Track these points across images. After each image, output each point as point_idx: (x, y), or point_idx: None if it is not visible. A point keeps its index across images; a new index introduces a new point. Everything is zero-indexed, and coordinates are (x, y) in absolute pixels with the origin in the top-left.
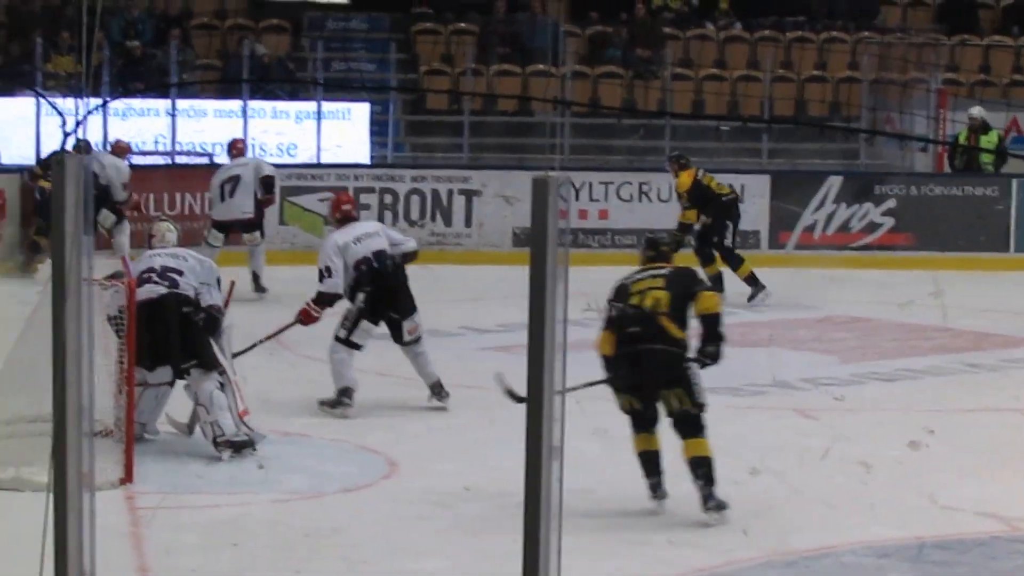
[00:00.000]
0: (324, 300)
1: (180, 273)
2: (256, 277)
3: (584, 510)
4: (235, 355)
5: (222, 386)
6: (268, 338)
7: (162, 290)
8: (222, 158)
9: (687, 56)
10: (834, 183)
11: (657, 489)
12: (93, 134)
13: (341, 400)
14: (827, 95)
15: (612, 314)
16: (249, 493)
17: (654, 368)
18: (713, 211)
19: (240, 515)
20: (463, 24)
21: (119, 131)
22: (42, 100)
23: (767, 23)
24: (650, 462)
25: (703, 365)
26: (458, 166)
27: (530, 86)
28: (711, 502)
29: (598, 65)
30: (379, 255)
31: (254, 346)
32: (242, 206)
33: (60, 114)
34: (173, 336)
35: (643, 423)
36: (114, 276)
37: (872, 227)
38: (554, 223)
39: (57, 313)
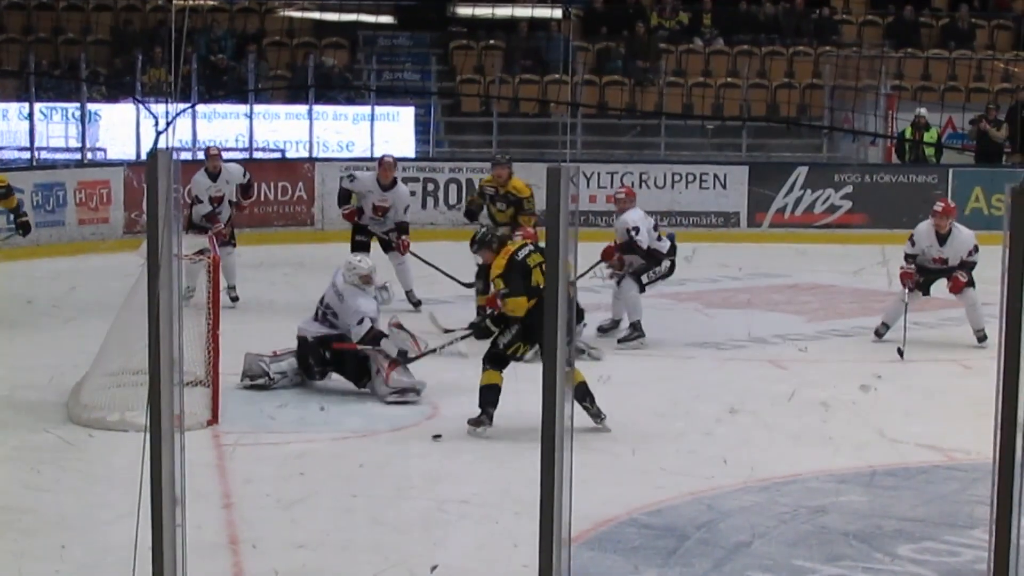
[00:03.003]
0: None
1: (336, 315)
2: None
3: (594, 446)
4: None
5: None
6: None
7: (314, 332)
8: (291, 153)
9: (679, 67)
10: (801, 172)
11: (492, 418)
12: (183, 134)
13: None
14: (795, 99)
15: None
16: (314, 432)
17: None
18: None
19: (307, 451)
20: (492, 40)
21: (206, 132)
22: (140, 106)
23: (745, 39)
24: (499, 394)
25: None
26: (489, 160)
27: (548, 91)
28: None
29: (605, 74)
30: None
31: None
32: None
33: (154, 116)
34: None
35: (505, 364)
36: (201, 252)
37: (833, 209)
38: (566, 206)
39: (152, 283)
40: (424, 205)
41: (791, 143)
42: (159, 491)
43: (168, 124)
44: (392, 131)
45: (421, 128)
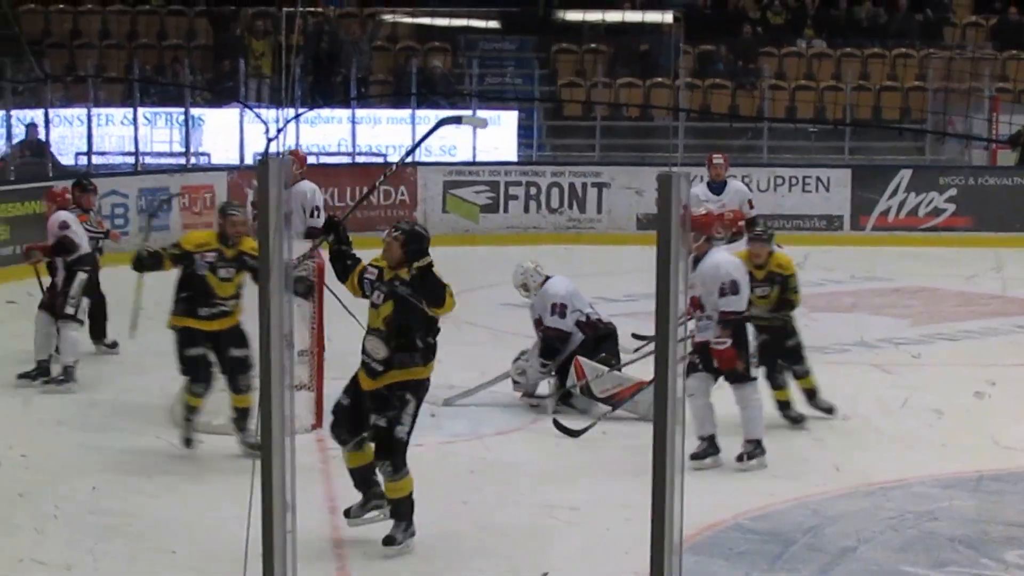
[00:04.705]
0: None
1: None
2: None
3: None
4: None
5: None
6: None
7: None
8: (393, 158)
9: (781, 70)
10: (905, 175)
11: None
12: (289, 139)
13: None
14: (899, 102)
15: None
16: (421, 436)
17: None
18: None
19: (413, 455)
20: (595, 44)
21: (309, 137)
22: (246, 110)
23: (848, 42)
24: None
25: None
26: (591, 163)
27: (651, 96)
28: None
29: (707, 77)
30: None
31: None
32: None
33: (264, 122)
34: None
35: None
36: (309, 256)
37: (937, 212)
38: (676, 211)
39: (263, 288)
40: (527, 209)
41: (894, 146)
42: (269, 497)
43: (279, 131)
44: (495, 135)
45: (523, 132)
